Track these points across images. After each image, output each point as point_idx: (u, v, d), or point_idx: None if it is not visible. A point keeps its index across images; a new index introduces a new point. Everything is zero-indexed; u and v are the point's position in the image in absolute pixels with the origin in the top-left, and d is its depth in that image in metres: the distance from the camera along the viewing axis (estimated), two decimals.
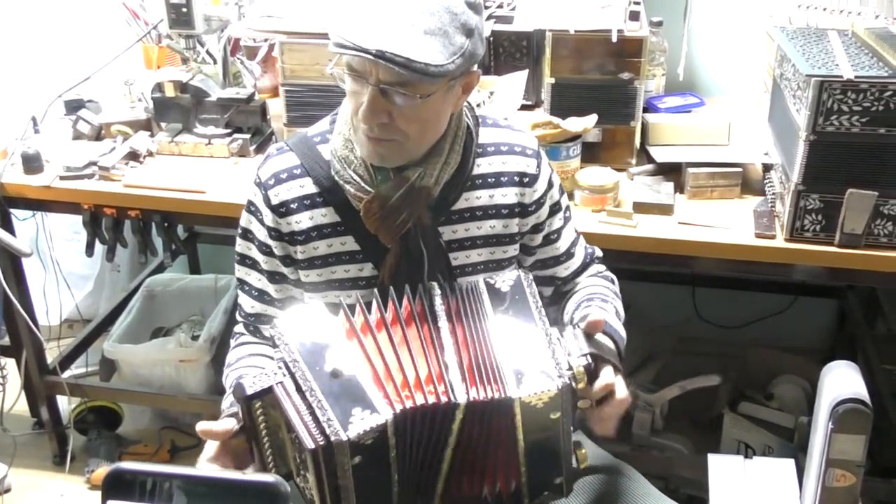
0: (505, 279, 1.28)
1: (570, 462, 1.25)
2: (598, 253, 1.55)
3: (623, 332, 1.37)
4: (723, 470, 1.74)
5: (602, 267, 1.54)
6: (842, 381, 1.57)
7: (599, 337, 1.27)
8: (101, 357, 2.56)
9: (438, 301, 1.25)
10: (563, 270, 1.49)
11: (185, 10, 2.07)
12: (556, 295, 1.52)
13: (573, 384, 1.18)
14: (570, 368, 1.18)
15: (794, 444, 2.17)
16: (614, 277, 1.53)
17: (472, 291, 1.27)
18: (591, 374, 1.21)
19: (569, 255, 1.49)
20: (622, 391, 1.23)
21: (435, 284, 1.28)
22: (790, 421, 2.25)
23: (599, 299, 1.42)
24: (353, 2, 1.17)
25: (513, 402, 1.15)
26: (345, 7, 1.17)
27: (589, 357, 1.21)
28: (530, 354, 1.19)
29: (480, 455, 1.22)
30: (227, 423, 1.21)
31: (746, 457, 1.79)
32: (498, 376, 1.17)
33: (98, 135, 2.18)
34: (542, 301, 1.27)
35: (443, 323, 1.23)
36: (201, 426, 1.21)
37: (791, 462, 1.76)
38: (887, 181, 1.61)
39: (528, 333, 1.21)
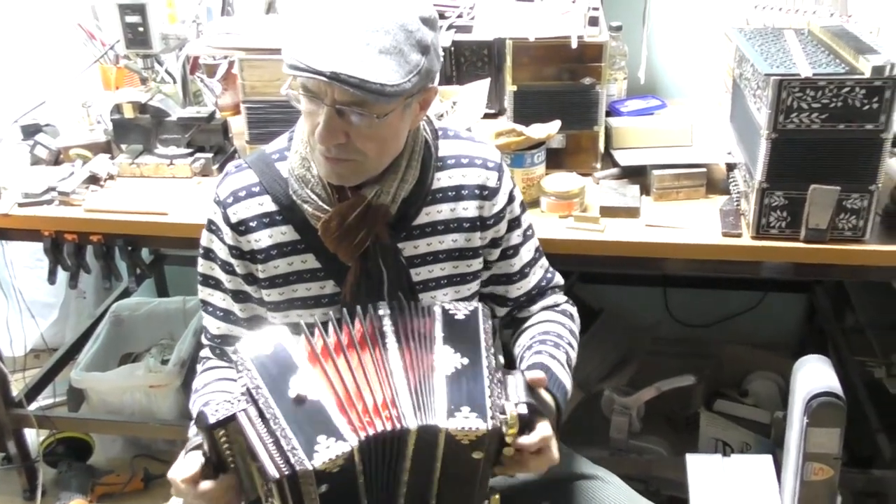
0: (461, 308, 1.27)
1: None
2: (559, 281, 1.53)
3: (568, 385, 1.36)
4: (702, 469, 1.75)
5: (562, 298, 1.52)
6: (814, 376, 1.58)
7: (542, 393, 1.26)
8: (69, 387, 2.52)
9: (387, 322, 1.24)
10: (516, 290, 1.48)
11: (141, 29, 2.04)
12: (510, 318, 1.51)
13: (504, 429, 1.16)
14: (505, 413, 1.17)
15: (771, 440, 2.18)
16: (574, 312, 1.51)
17: (426, 315, 1.25)
18: (525, 423, 1.19)
19: (522, 274, 1.47)
20: (556, 452, 1.22)
21: (383, 304, 1.26)
22: (766, 417, 2.26)
23: (552, 343, 1.40)
24: (305, 21, 1.15)
25: (438, 431, 1.13)
26: (297, 27, 1.16)
27: (526, 406, 1.19)
28: (468, 389, 1.17)
29: (422, 483, 1.20)
30: (193, 467, 1.18)
31: (724, 455, 1.79)
32: (430, 404, 1.15)
33: (56, 159, 2.14)
34: (496, 325, 1.26)
35: (391, 344, 1.21)
36: (173, 477, 1.19)
37: (769, 458, 1.77)
38: (849, 176, 1.63)
39: (472, 368, 1.19)
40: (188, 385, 2.39)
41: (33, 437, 2.43)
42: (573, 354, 1.42)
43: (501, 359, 1.25)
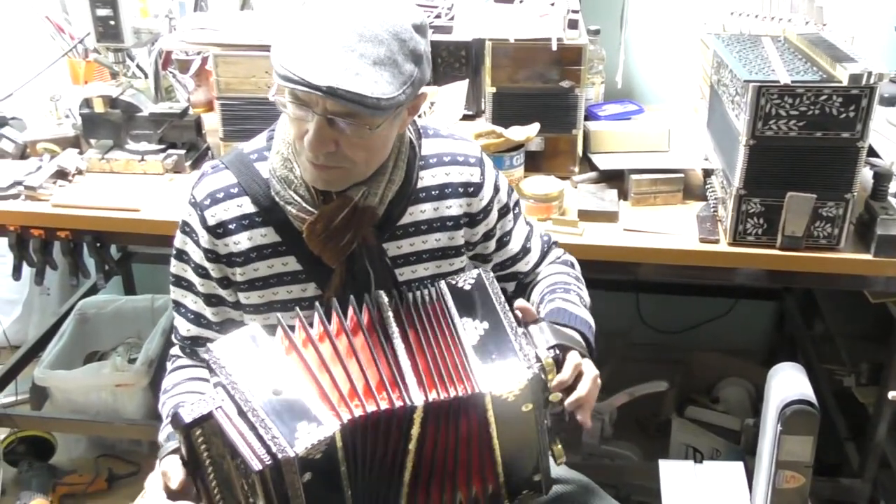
0: (466, 278, 1.27)
1: (548, 458, 1.24)
2: (554, 238, 1.55)
3: (590, 319, 1.37)
4: (674, 475, 1.75)
5: (560, 251, 1.54)
6: (788, 383, 1.59)
7: (566, 330, 1.28)
8: (32, 384, 2.47)
9: (387, 309, 1.23)
10: (524, 266, 1.49)
11: (113, 22, 2.00)
12: (520, 287, 1.51)
13: (543, 375, 1.18)
14: (539, 360, 1.18)
15: (741, 447, 2.19)
16: (574, 260, 1.53)
17: (434, 294, 1.25)
18: (560, 365, 1.21)
19: (525, 250, 1.48)
20: (592, 370, 1.22)
21: (382, 293, 1.25)
22: (736, 423, 2.28)
23: (561, 290, 1.41)
24: (295, 28, 1.12)
25: (483, 397, 1.14)
26: (286, 33, 1.12)
27: (556, 349, 1.21)
28: (498, 350, 1.19)
29: (449, 461, 1.20)
30: (178, 474, 1.15)
31: (696, 461, 1.80)
32: (464, 375, 1.16)
33: (23, 153, 2.10)
34: (506, 296, 1.27)
35: (394, 330, 1.21)
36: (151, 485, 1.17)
37: (740, 465, 1.77)
38: (825, 184, 1.64)
39: (494, 330, 1.21)
40: (156, 385, 2.36)
41: None
42: (585, 295, 1.44)
43: (518, 313, 1.26)
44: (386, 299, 1.24)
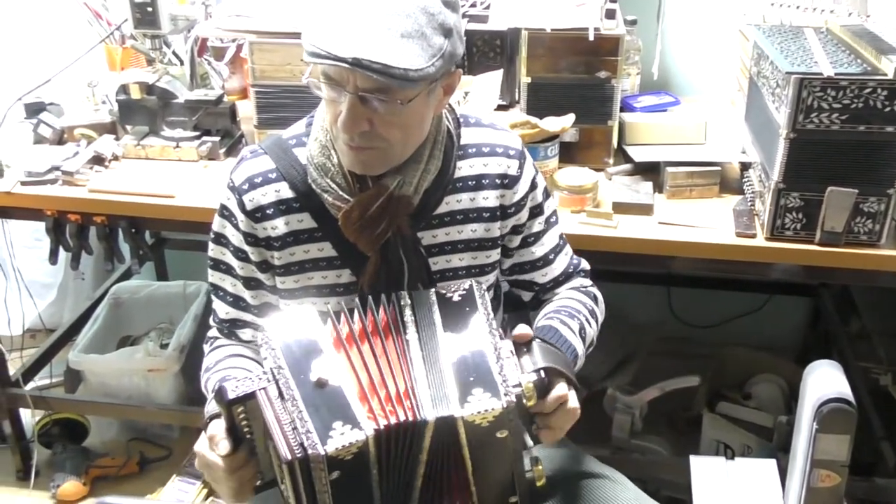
0: (456, 289, 1.24)
1: (525, 480, 1.21)
2: (585, 266, 1.51)
3: (580, 350, 1.34)
4: (705, 471, 1.73)
5: (587, 282, 1.50)
6: (825, 381, 1.56)
7: (556, 350, 1.25)
8: (66, 368, 2.50)
9: (408, 311, 1.22)
10: (541, 277, 1.46)
11: (150, 9, 2.01)
12: (535, 301, 1.49)
13: (523, 401, 1.15)
14: (519, 385, 1.15)
15: (773, 444, 2.17)
16: (598, 294, 1.49)
17: (423, 302, 1.23)
18: (544, 388, 1.18)
19: (546, 261, 1.45)
20: (573, 402, 1.20)
21: (405, 294, 1.24)
22: (769, 420, 2.25)
23: (566, 314, 1.38)
24: (324, 7, 1.13)
25: (455, 420, 1.12)
26: (316, 12, 1.13)
27: (542, 372, 1.18)
28: (477, 370, 1.15)
29: (442, 476, 1.20)
30: (224, 439, 1.16)
31: (728, 458, 1.78)
32: (443, 394, 1.13)
33: (60, 139, 2.12)
34: (520, 304, 1.24)
35: (411, 333, 1.19)
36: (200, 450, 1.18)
37: (773, 462, 1.75)
38: (867, 179, 1.61)
39: (477, 348, 1.18)
40: (187, 370, 2.39)
41: (28, 418, 2.41)
42: (589, 329, 1.40)
43: (514, 330, 1.23)
44: (408, 301, 1.22)
